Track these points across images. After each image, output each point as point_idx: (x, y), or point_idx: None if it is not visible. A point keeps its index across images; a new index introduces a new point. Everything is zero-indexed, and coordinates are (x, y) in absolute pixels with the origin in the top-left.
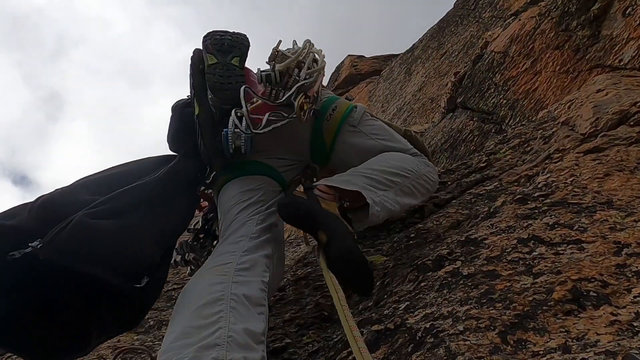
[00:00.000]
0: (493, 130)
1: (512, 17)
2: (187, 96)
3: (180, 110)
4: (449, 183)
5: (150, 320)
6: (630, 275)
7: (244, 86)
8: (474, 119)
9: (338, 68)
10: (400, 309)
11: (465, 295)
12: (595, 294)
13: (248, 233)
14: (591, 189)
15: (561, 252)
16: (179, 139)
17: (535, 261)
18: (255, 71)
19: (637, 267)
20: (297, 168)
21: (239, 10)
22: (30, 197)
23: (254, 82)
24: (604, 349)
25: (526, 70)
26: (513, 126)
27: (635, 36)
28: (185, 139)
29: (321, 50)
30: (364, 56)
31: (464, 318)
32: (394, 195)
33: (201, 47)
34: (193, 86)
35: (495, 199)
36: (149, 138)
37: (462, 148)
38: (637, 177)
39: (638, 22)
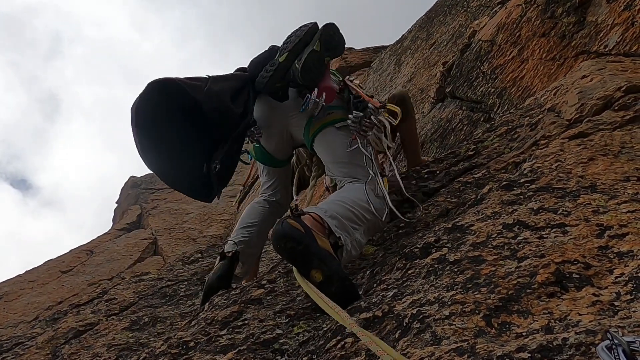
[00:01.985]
0: (482, 119)
1: (499, 5)
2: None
3: (270, 50)
4: (438, 172)
5: (145, 317)
6: (612, 257)
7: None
8: (463, 108)
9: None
10: (388, 296)
11: (451, 281)
12: (577, 276)
13: None
14: (575, 173)
15: (545, 236)
16: (256, 64)
17: (519, 246)
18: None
19: (618, 248)
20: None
21: (235, 2)
22: (31, 201)
23: (328, 78)
24: (584, 329)
25: (513, 58)
26: (501, 114)
27: (620, 22)
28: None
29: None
30: (353, 48)
31: (449, 303)
32: (359, 235)
33: (318, 24)
34: (294, 42)
35: (483, 187)
36: None
37: (452, 137)
38: (621, 160)
39: (622, 7)
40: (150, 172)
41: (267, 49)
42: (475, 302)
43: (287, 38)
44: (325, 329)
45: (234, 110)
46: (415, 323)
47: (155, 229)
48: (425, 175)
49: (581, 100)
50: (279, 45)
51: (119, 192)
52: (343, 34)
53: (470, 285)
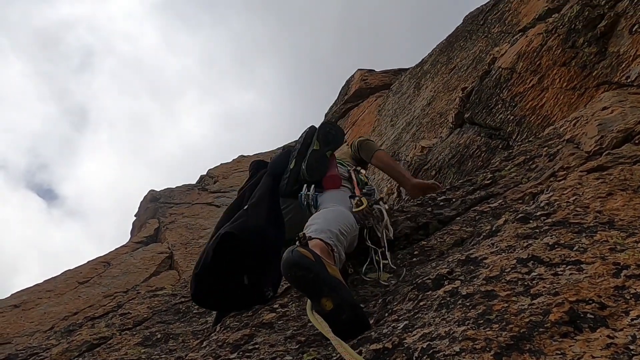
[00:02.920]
0: (500, 146)
1: (520, 33)
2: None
3: (285, 153)
4: (454, 200)
5: (157, 333)
6: (628, 298)
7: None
8: (481, 135)
9: (348, 82)
10: (399, 328)
11: (463, 315)
12: (592, 316)
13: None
14: (593, 208)
15: (560, 272)
16: (275, 167)
17: (533, 282)
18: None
19: (635, 289)
20: None
21: (262, 24)
22: (56, 211)
23: (333, 168)
24: None
25: (533, 86)
26: (520, 142)
27: None
28: (278, 171)
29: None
30: (374, 70)
31: (460, 339)
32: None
33: (314, 126)
34: (298, 150)
35: (499, 217)
36: (172, 151)
37: (470, 164)
38: None
39: None
40: (169, 187)
41: (282, 149)
42: (487, 339)
43: (296, 143)
44: (335, 358)
45: (272, 240)
46: (425, 357)
47: (172, 243)
48: (441, 203)
49: (601, 132)
50: (292, 144)
51: (138, 205)
52: (367, 53)
53: (482, 321)
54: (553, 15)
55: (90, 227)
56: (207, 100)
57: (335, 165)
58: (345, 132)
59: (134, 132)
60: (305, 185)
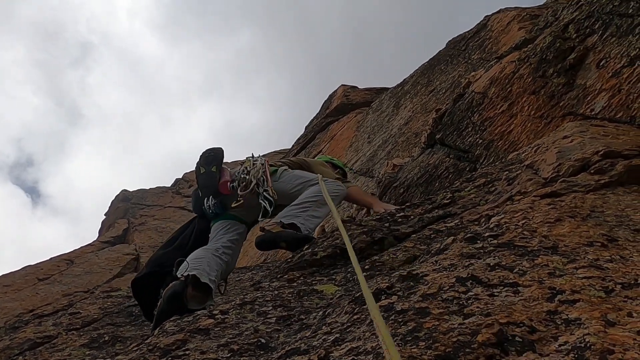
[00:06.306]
0: (468, 169)
1: (495, 60)
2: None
3: (195, 194)
4: (412, 217)
5: (105, 335)
6: (559, 323)
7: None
8: (451, 156)
9: (331, 96)
10: (329, 341)
11: (393, 331)
12: (520, 340)
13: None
14: (540, 232)
15: (496, 294)
16: (195, 208)
17: (469, 301)
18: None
19: (567, 314)
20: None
21: (264, 38)
22: (40, 207)
23: (225, 176)
24: None
25: (503, 112)
26: (485, 166)
27: (607, 88)
28: (197, 207)
29: (259, 159)
30: (357, 87)
31: (384, 355)
32: (312, 212)
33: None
34: (197, 183)
35: (454, 236)
36: (161, 154)
37: (437, 184)
38: (588, 224)
39: (610, 74)
40: (142, 188)
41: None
42: (411, 356)
43: None
44: None
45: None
46: None
47: (139, 245)
48: (399, 219)
49: (559, 160)
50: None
51: (109, 204)
52: (354, 70)
53: (410, 338)
54: (528, 45)
55: (75, 226)
56: (201, 106)
57: (225, 174)
58: (322, 144)
59: (125, 133)
60: (205, 199)
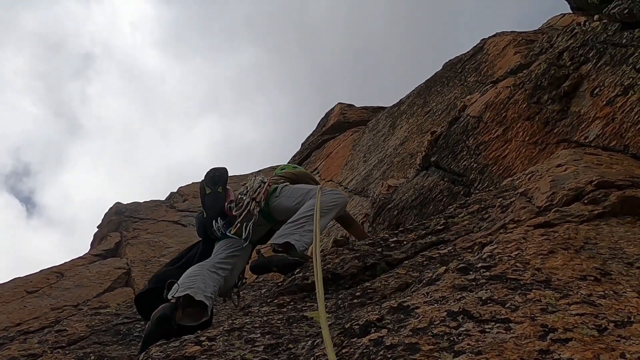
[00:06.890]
0: (462, 193)
1: (491, 84)
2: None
3: (199, 217)
4: (405, 242)
5: (92, 355)
6: None
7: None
8: (445, 179)
9: (327, 114)
10: None
11: None
12: None
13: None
14: (533, 265)
15: (488, 330)
16: (199, 231)
17: (459, 337)
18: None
19: (559, 354)
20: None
21: (266, 56)
22: (34, 221)
23: (230, 197)
24: None
25: (498, 137)
26: (478, 191)
27: (601, 116)
28: (201, 231)
29: (260, 177)
30: (353, 105)
31: None
32: (308, 226)
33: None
34: (202, 203)
35: (447, 264)
36: (159, 167)
37: (431, 207)
38: (581, 257)
39: (604, 102)
40: (136, 201)
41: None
42: None
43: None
44: None
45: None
46: None
47: (131, 259)
48: (392, 245)
49: (553, 189)
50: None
51: (102, 217)
52: (350, 88)
53: None
54: (523, 71)
55: (69, 237)
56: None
57: (230, 195)
58: (317, 162)
59: (123, 145)
60: (213, 220)
